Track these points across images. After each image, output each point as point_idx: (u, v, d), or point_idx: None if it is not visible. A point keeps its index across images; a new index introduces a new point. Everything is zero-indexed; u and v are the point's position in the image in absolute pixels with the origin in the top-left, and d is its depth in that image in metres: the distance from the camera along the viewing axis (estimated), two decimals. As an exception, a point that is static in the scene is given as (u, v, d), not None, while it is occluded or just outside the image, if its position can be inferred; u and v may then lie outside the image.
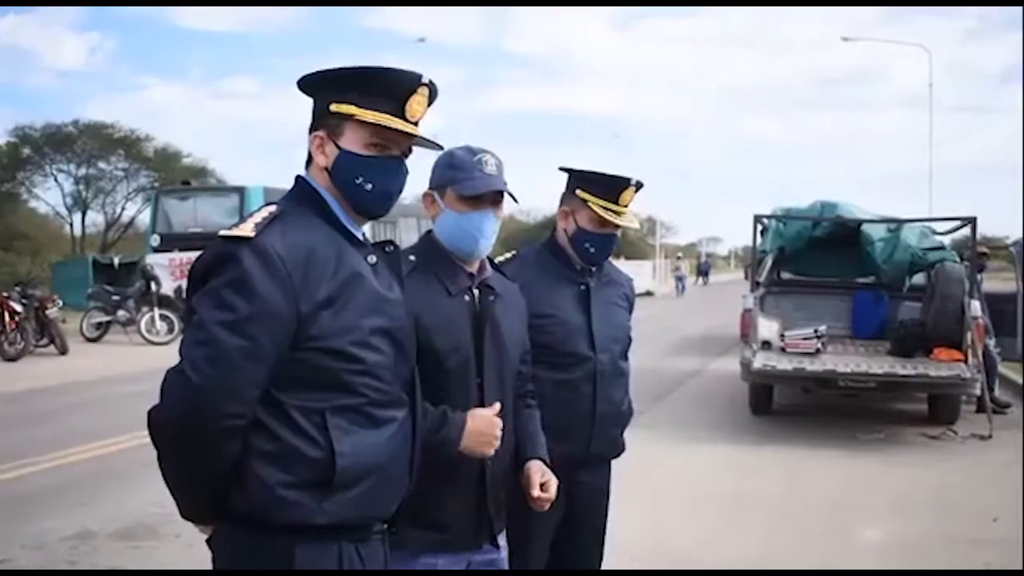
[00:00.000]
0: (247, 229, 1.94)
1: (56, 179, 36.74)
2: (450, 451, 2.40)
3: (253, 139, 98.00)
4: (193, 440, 1.90)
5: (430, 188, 2.58)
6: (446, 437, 2.39)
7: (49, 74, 78.04)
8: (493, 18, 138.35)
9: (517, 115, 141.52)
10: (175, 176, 31.69)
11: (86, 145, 35.88)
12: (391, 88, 2.06)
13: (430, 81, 2.10)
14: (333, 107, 2.04)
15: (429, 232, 2.61)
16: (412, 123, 2.08)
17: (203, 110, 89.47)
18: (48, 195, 39.66)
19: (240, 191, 19.46)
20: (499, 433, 2.45)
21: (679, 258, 44.94)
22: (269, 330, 1.90)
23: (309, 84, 2.11)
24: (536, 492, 2.60)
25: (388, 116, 2.04)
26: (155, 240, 19.56)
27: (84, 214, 37.65)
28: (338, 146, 2.06)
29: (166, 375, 1.93)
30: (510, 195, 2.57)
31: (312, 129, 2.10)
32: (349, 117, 2.04)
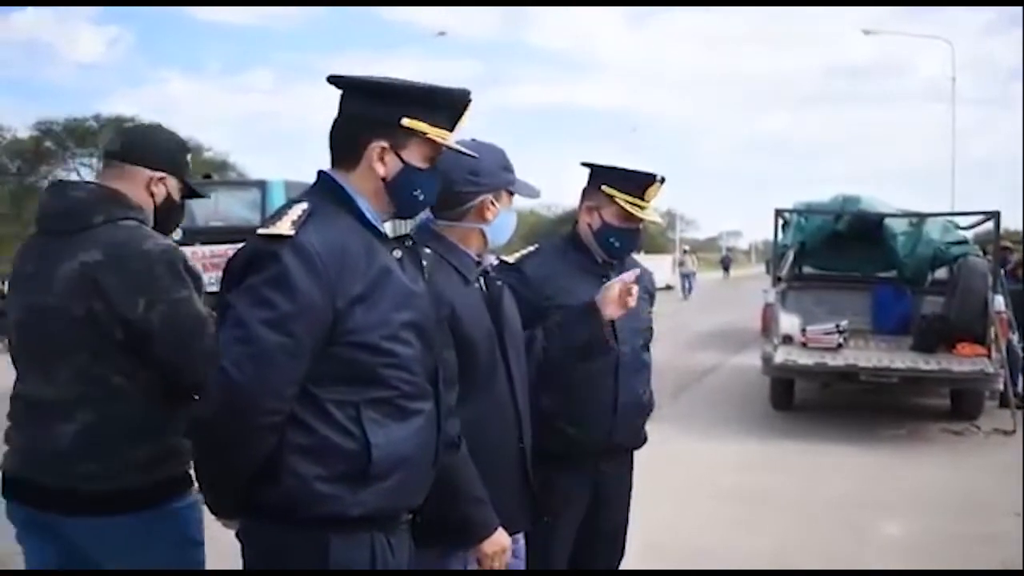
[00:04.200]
0: (285, 227, 1.95)
1: (78, 173, 36.98)
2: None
3: (269, 132, 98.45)
4: (233, 437, 1.92)
5: (485, 192, 2.56)
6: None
7: (69, 68, 78.70)
8: (510, 13, 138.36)
9: (534, 110, 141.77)
10: (196, 170, 31.57)
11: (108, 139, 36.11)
12: (454, 107, 2.14)
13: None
14: (406, 121, 2.06)
15: (426, 224, 2.63)
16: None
17: (220, 103, 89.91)
18: (70, 189, 40.01)
19: (261, 185, 19.44)
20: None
21: (685, 252, 37.25)
22: (308, 327, 1.92)
23: (373, 92, 2.09)
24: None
25: (449, 134, 2.12)
26: (176, 234, 19.62)
27: (106, 208, 37.87)
28: (401, 159, 2.08)
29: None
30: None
31: (370, 135, 2.08)
32: (419, 134, 2.07)
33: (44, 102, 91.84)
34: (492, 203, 2.57)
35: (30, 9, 67.71)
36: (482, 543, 2.41)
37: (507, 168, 2.62)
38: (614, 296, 2.84)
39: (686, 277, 33.03)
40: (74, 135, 35.82)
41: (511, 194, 2.63)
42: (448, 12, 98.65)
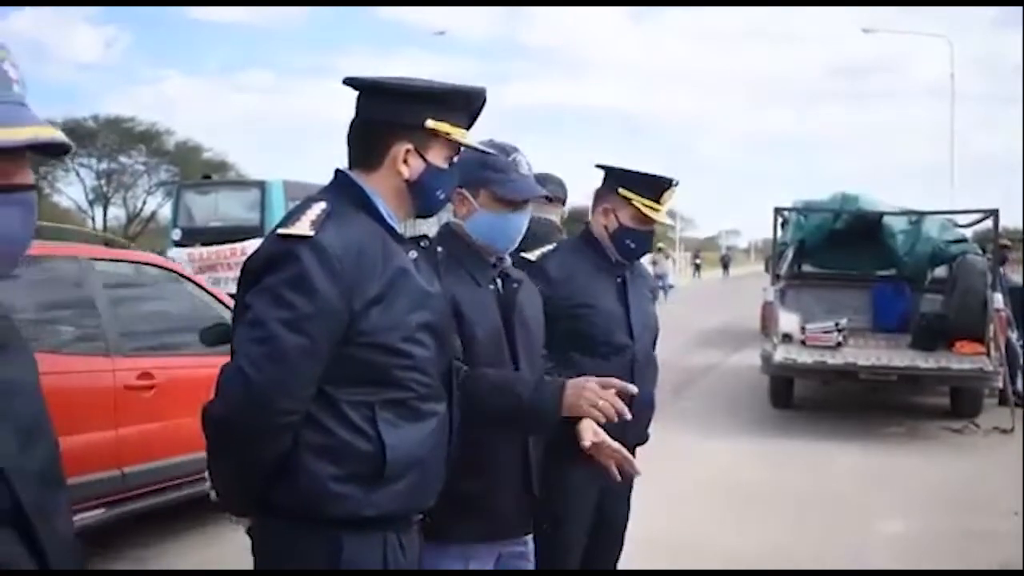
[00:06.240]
0: (304, 227, 1.95)
1: (77, 173, 37.09)
2: (549, 416, 2.36)
3: (269, 132, 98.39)
4: (250, 436, 1.93)
5: (461, 186, 2.51)
6: (544, 408, 2.35)
7: (67, 67, 78.57)
8: (509, 13, 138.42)
9: (532, 108, 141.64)
10: (196, 170, 31.83)
11: (107, 139, 36.13)
12: (473, 106, 2.15)
13: None
14: (430, 123, 2.06)
15: (447, 224, 2.63)
16: None
17: (219, 103, 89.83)
18: (70, 189, 40.08)
19: (261, 185, 19.44)
20: (602, 393, 2.36)
21: (659, 250, 31.43)
22: (326, 328, 1.92)
23: (397, 94, 2.08)
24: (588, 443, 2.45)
25: (467, 133, 2.14)
26: (176, 234, 19.61)
27: (106, 208, 37.98)
28: (425, 160, 2.09)
29: (222, 371, 1.95)
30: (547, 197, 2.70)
31: (395, 138, 2.08)
32: (442, 134, 2.08)
33: (42, 102, 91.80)
34: (464, 197, 2.54)
35: (28, 9, 67.70)
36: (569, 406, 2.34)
37: (492, 167, 2.51)
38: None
39: (660, 278, 26.71)
40: (73, 135, 35.54)
41: (501, 198, 2.53)
42: (447, 12, 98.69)
